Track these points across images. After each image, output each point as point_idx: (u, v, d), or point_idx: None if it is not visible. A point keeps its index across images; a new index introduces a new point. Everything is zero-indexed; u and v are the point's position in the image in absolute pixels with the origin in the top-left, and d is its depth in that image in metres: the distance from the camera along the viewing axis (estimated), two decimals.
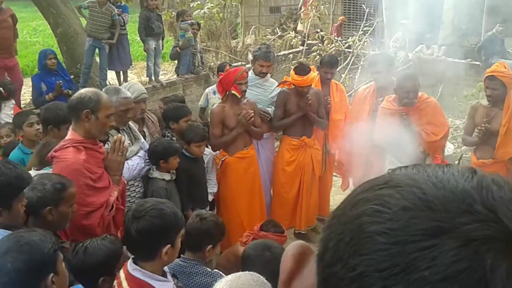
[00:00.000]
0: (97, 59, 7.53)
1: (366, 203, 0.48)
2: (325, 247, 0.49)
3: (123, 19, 7.47)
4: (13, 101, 5.65)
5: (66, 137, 2.77)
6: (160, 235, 2.06)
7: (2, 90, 5.39)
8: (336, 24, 11.92)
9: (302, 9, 10.56)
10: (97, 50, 7.30)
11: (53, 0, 7.79)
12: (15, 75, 6.55)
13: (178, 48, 7.96)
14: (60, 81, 6.05)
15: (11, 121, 5.14)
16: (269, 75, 4.99)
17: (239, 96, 4.27)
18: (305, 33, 9.63)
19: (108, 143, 3.03)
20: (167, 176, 3.64)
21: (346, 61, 7.75)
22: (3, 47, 6.27)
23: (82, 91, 2.83)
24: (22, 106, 6.64)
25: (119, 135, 3.04)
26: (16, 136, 4.50)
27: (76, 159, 2.64)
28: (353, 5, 13.08)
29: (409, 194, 0.46)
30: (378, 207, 0.46)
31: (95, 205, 2.70)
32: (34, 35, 18.04)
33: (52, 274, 1.82)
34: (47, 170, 3.17)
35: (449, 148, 5.76)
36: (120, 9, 7.48)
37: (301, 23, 10.70)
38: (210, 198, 4.31)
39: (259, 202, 4.64)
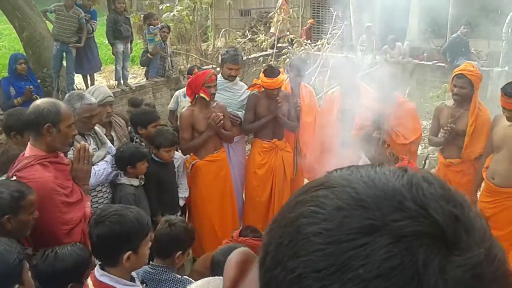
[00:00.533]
0: (64, 63, 7.36)
1: (303, 205, 0.49)
2: (265, 252, 0.50)
3: (91, 26, 7.31)
4: None
5: (26, 153, 2.60)
6: (120, 241, 2.02)
7: None
8: (305, 27, 12.04)
9: (272, 12, 10.59)
10: (64, 54, 7.15)
11: (18, 3, 7.60)
12: None
13: (149, 54, 7.88)
14: (31, 87, 5.95)
15: None
16: (238, 78, 4.98)
17: (207, 99, 4.25)
18: (276, 36, 9.68)
19: (72, 150, 2.93)
20: (135, 182, 3.56)
21: (316, 64, 7.82)
22: None
23: (38, 103, 2.63)
24: None
25: (82, 142, 2.93)
26: None
27: (46, 177, 2.50)
28: (322, 9, 13.22)
29: (342, 194, 0.47)
30: (314, 208, 0.47)
31: (74, 221, 2.59)
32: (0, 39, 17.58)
33: (17, 285, 1.77)
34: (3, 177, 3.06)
35: None
36: (89, 15, 7.31)
37: (273, 26, 10.75)
38: (182, 202, 4.26)
39: (230, 206, 4.62)
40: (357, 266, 0.42)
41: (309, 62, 6.15)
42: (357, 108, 4.33)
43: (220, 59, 5.00)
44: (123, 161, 3.51)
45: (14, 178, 2.50)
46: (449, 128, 4.19)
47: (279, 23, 9.39)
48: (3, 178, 2.90)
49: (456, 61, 8.77)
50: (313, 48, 8.50)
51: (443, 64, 9.59)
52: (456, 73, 4.19)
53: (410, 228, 0.43)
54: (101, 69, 8.91)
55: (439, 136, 4.39)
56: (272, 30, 11.06)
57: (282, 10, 10.23)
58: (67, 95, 3.41)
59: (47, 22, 7.80)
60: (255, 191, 4.85)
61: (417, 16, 10.58)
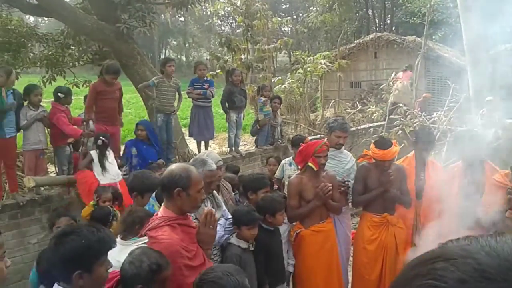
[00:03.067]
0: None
1: (420, 278, 0.47)
2: None
3: (211, 92, 7.74)
4: (112, 154, 6.00)
5: (159, 214, 2.74)
6: None
7: (104, 139, 5.78)
8: (419, 100, 11.71)
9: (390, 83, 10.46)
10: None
11: (146, 74, 8.40)
12: (114, 142, 6.84)
13: (258, 125, 8.13)
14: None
15: (114, 167, 5.77)
16: (343, 146, 4.91)
17: (315, 169, 4.19)
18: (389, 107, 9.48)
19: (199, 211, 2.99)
20: (243, 244, 3.55)
21: None
22: (107, 116, 6.68)
23: (173, 167, 2.78)
24: None
25: (210, 208, 3.00)
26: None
27: (173, 239, 2.58)
28: (438, 81, 12.83)
29: (463, 265, 0.45)
30: (433, 281, 0.46)
31: None
32: (127, 107, 19.57)
33: None
34: (133, 241, 3.18)
35: None
36: (207, 83, 7.77)
37: (395, 95, 10.48)
38: (291, 269, 4.18)
39: (337, 281, 4.35)
40: None
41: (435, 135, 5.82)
42: (481, 185, 3.96)
43: (327, 127, 4.97)
44: (233, 220, 3.56)
45: (145, 237, 2.63)
46: None
47: (396, 91, 9.23)
48: (134, 240, 3.05)
49: None
50: (428, 121, 8.16)
51: None
52: None
53: None
54: (214, 136, 9.29)
55: None
56: (391, 99, 10.84)
57: (394, 82, 10.09)
58: (191, 160, 3.57)
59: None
60: (365, 268, 4.53)
61: None
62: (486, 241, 0.48)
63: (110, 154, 5.88)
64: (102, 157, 5.74)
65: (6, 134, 5.50)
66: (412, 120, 7.96)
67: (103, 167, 5.69)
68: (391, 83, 9.58)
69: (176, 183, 2.63)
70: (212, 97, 7.81)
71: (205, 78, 7.85)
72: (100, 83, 6.59)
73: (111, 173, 5.72)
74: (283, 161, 5.66)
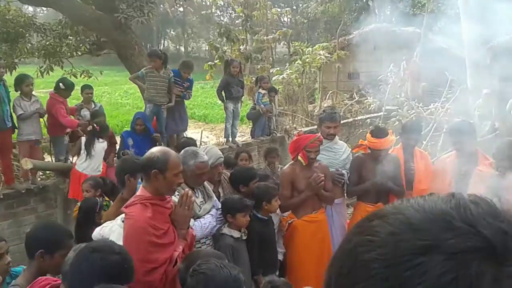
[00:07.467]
0: None
1: (359, 235, 0.54)
2: (327, 286, 0.55)
3: (189, 96, 7.55)
4: (105, 143, 6.00)
5: (137, 193, 2.85)
6: None
7: (95, 126, 5.78)
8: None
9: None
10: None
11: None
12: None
13: (260, 110, 8.04)
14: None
15: (99, 158, 5.78)
16: (337, 137, 4.89)
17: (303, 163, 4.19)
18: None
19: (176, 195, 3.03)
20: (235, 234, 3.54)
21: (428, 128, 7.46)
22: None
23: (153, 150, 2.87)
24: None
25: (187, 189, 3.04)
26: (96, 192, 4.74)
27: (141, 217, 2.67)
28: (436, 72, 12.79)
29: (394, 220, 0.52)
30: (369, 237, 0.52)
31: (158, 261, 2.68)
32: (125, 97, 19.60)
33: None
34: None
35: None
36: (188, 83, 7.44)
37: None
38: (281, 257, 4.18)
39: None
40: (416, 284, 0.46)
41: (422, 126, 5.86)
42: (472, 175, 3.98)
43: (318, 119, 4.96)
44: (224, 209, 3.55)
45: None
46: None
47: (389, 86, 9.20)
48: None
49: None
50: (425, 112, 8.16)
51: None
52: None
53: (461, 245, 0.47)
54: (187, 129, 8.69)
55: None
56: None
57: (392, 74, 10.06)
58: (182, 151, 3.52)
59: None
60: None
61: None
62: (415, 200, 0.54)
63: (100, 144, 5.87)
64: (88, 144, 5.72)
65: (7, 125, 5.54)
66: (409, 111, 7.96)
67: (89, 154, 5.69)
68: (388, 74, 9.56)
69: (154, 165, 2.71)
70: (188, 99, 7.68)
71: (189, 77, 7.50)
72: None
73: (94, 164, 5.74)
74: None
